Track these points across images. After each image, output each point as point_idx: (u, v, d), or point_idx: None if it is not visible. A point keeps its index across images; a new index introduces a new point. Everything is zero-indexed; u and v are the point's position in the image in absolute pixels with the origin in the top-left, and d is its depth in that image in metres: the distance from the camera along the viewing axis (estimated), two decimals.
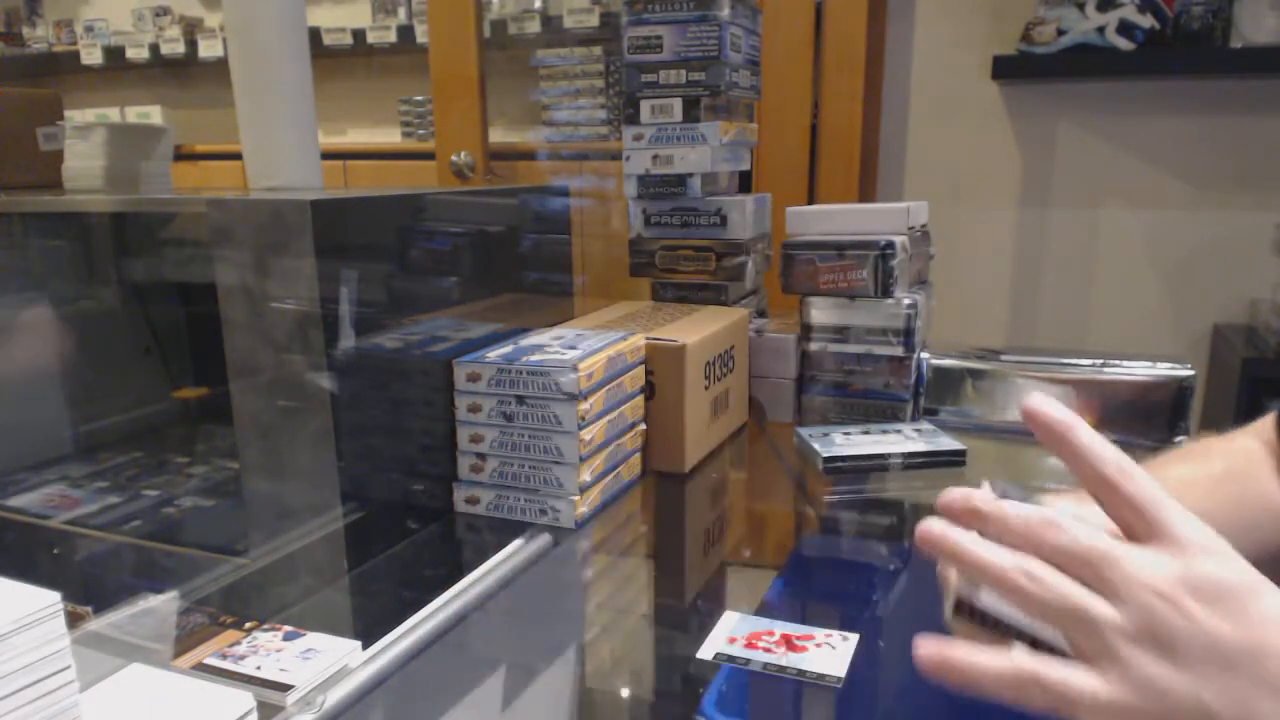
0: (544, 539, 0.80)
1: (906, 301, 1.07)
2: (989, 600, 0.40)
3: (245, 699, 0.49)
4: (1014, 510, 0.40)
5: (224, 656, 0.58)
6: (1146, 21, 1.83)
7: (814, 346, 1.12)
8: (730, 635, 0.64)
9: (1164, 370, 1.04)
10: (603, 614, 0.74)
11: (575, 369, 0.80)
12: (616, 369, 0.87)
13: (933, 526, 0.41)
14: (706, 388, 1.00)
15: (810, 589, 0.79)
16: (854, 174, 2.08)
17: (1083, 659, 0.37)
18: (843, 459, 0.97)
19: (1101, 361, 1.07)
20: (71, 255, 1.13)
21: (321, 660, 0.57)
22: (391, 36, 2.80)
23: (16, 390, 1.06)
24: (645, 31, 1.13)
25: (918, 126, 2.19)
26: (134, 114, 3.18)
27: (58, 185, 1.25)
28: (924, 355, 1.12)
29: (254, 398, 0.79)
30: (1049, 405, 0.40)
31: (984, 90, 2.09)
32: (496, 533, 0.82)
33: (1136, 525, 0.38)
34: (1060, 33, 1.89)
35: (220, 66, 2.71)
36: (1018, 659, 0.38)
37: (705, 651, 0.62)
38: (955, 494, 0.42)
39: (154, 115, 3.14)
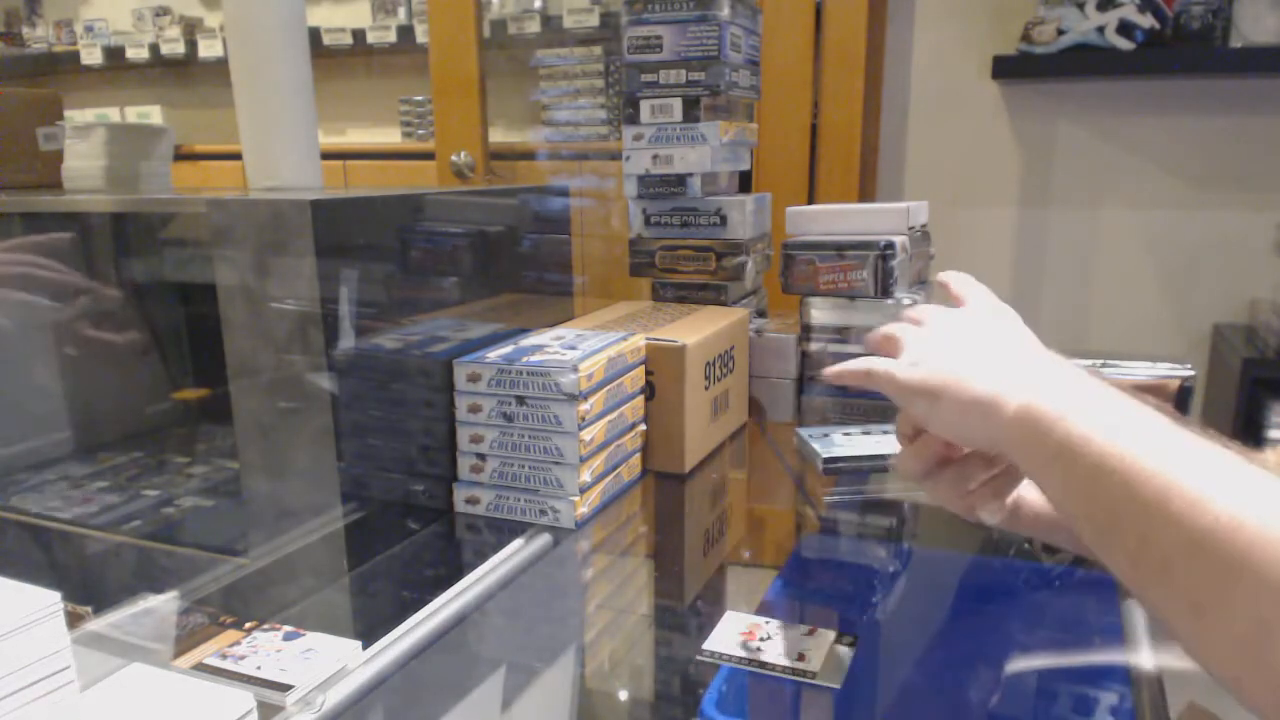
0: (544, 539, 0.80)
1: (906, 302, 1.07)
2: None
3: (245, 699, 0.49)
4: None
5: (224, 656, 0.58)
6: (1146, 21, 1.83)
7: (814, 346, 1.12)
8: (730, 636, 0.64)
9: (1164, 370, 1.04)
10: (603, 614, 0.74)
11: (575, 369, 0.80)
12: (617, 369, 0.87)
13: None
14: (706, 388, 1.00)
15: (810, 589, 0.79)
16: (854, 174, 2.08)
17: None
18: (843, 459, 0.97)
19: (1101, 362, 1.07)
20: (71, 255, 1.13)
21: (321, 660, 0.57)
22: (391, 36, 2.81)
23: (16, 390, 1.06)
24: (645, 31, 1.13)
25: (918, 126, 2.19)
26: (134, 114, 3.18)
27: (58, 185, 1.25)
28: None
29: (254, 398, 0.80)
30: (947, 275, 0.64)
31: (984, 90, 2.09)
32: (496, 533, 0.82)
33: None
34: (1060, 33, 1.89)
35: (220, 66, 2.71)
36: (863, 360, 0.61)
37: (705, 652, 0.62)
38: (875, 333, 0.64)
39: (154, 115, 3.14)
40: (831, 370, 0.62)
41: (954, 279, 0.64)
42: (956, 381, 0.53)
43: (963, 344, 0.55)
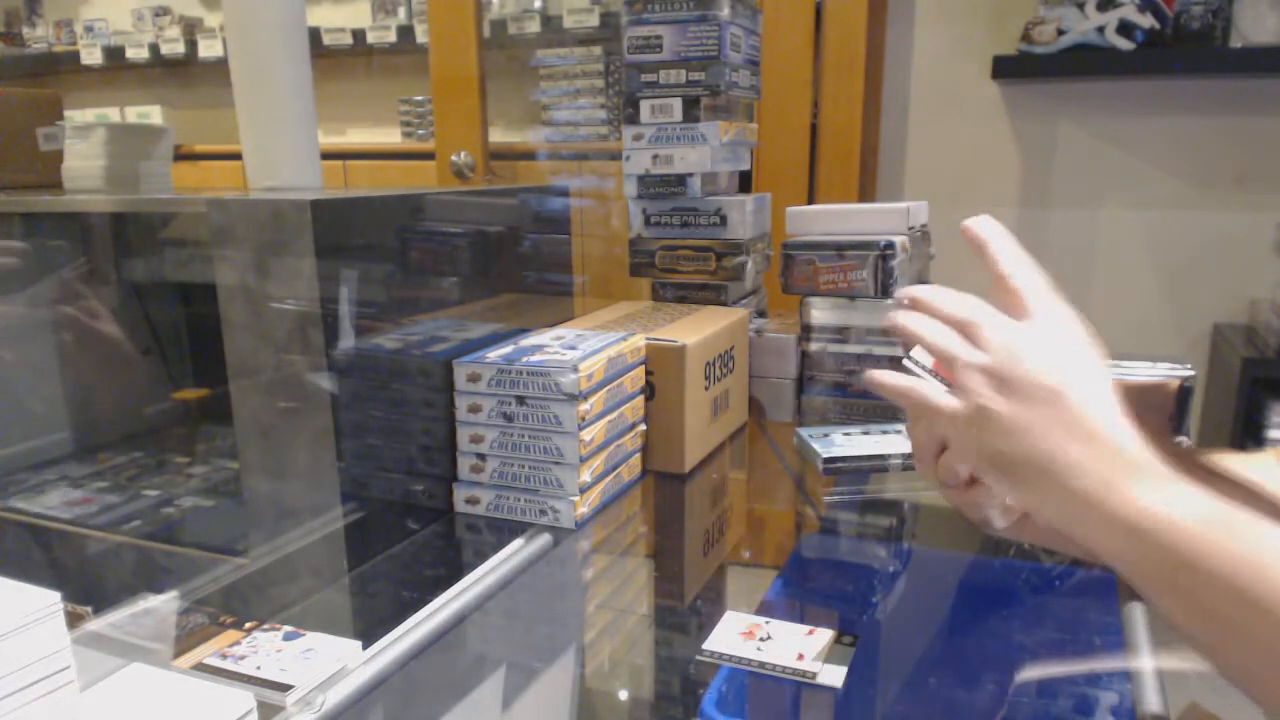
0: (544, 539, 0.80)
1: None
2: (917, 354, 0.57)
3: (245, 699, 0.49)
4: (936, 298, 0.55)
5: (224, 656, 0.58)
6: (1146, 21, 1.83)
7: (814, 346, 1.12)
8: (730, 636, 0.64)
9: (1164, 370, 1.04)
10: (603, 614, 0.74)
11: (575, 369, 0.80)
12: (617, 369, 0.87)
13: (895, 316, 0.57)
14: (706, 388, 1.00)
15: (810, 589, 0.79)
16: (854, 174, 2.08)
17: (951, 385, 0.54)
18: (843, 459, 0.97)
19: None
20: (71, 255, 1.13)
21: (321, 660, 0.57)
22: (391, 36, 2.81)
23: (17, 390, 1.06)
24: (645, 31, 1.13)
25: (918, 126, 2.19)
26: (134, 114, 3.18)
27: (58, 185, 1.25)
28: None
29: (254, 398, 0.79)
30: (977, 222, 0.55)
31: (984, 90, 2.09)
32: (496, 533, 0.82)
33: (1015, 306, 0.53)
34: (1060, 33, 1.89)
35: (220, 66, 2.72)
36: (908, 379, 0.56)
37: (705, 652, 0.62)
38: (906, 292, 0.58)
39: (154, 115, 3.14)
40: (873, 376, 0.56)
41: (1008, 264, 0.53)
42: (1040, 471, 0.46)
43: (1043, 396, 0.48)
